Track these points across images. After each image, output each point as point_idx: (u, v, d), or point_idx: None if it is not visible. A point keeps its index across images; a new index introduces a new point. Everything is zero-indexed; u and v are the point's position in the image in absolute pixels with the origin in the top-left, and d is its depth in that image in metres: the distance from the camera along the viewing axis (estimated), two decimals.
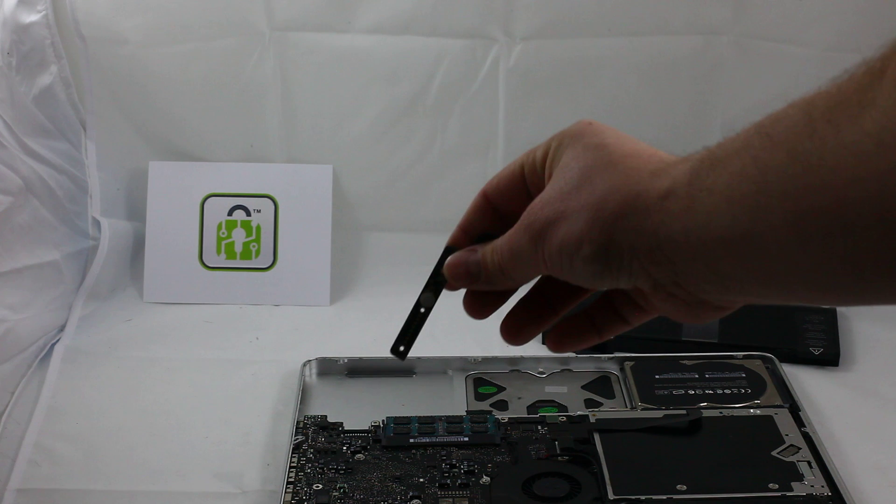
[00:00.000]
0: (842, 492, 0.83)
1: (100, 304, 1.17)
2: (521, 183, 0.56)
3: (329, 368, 1.04)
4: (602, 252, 0.49)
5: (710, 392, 0.97)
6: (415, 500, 0.84)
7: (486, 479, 0.86)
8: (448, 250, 0.58)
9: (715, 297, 0.49)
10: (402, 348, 0.62)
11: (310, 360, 1.03)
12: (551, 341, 0.57)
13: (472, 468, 0.87)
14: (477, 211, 0.57)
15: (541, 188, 0.53)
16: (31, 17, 1.14)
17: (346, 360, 1.04)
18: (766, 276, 0.45)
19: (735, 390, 0.97)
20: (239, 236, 1.20)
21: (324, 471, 0.87)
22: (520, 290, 0.58)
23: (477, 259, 0.56)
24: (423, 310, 0.60)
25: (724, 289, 0.47)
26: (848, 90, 0.41)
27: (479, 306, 0.58)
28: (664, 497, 0.83)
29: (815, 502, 0.82)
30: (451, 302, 1.26)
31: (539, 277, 0.57)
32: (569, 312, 0.57)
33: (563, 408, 0.97)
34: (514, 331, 0.58)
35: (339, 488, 0.85)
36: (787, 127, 0.42)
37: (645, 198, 0.47)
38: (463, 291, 0.59)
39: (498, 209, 0.57)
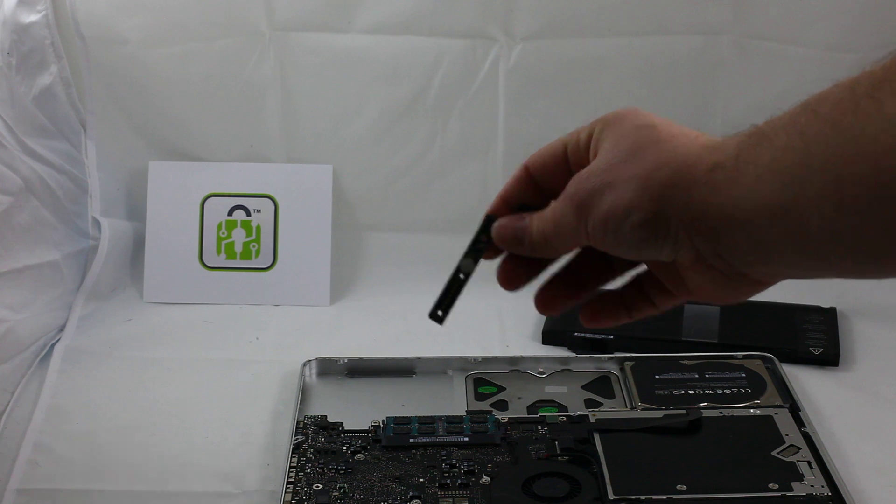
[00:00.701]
0: (842, 492, 0.83)
1: (100, 304, 1.17)
2: (564, 161, 0.57)
3: (329, 368, 1.04)
4: (650, 220, 0.50)
5: (710, 392, 0.97)
6: (415, 500, 0.84)
7: (486, 479, 0.86)
8: (489, 218, 0.59)
9: (756, 269, 0.50)
10: (440, 313, 0.63)
11: (310, 360, 1.03)
12: (585, 316, 0.59)
13: (472, 468, 0.87)
14: (518, 182, 0.59)
15: (584, 166, 0.55)
16: (31, 17, 1.14)
17: (346, 360, 1.04)
18: (808, 247, 0.46)
19: (735, 390, 0.97)
20: (239, 236, 1.20)
21: (324, 471, 0.87)
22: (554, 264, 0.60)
23: (524, 224, 0.57)
24: (462, 276, 0.61)
25: (765, 259, 0.49)
26: (891, 68, 0.43)
27: (513, 277, 0.60)
28: (664, 497, 0.83)
29: (815, 502, 0.82)
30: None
31: (575, 253, 0.59)
32: (601, 291, 0.59)
33: (563, 408, 0.97)
34: (547, 301, 0.60)
35: (339, 488, 0.85)
36: (833, 104, 0.44)
37: (694, 170, 0.49)
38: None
39: (539, 183, 0.58)
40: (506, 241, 0.58)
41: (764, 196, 0.46)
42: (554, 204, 0.55)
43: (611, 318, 0.59)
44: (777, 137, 0.46)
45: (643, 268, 0.57)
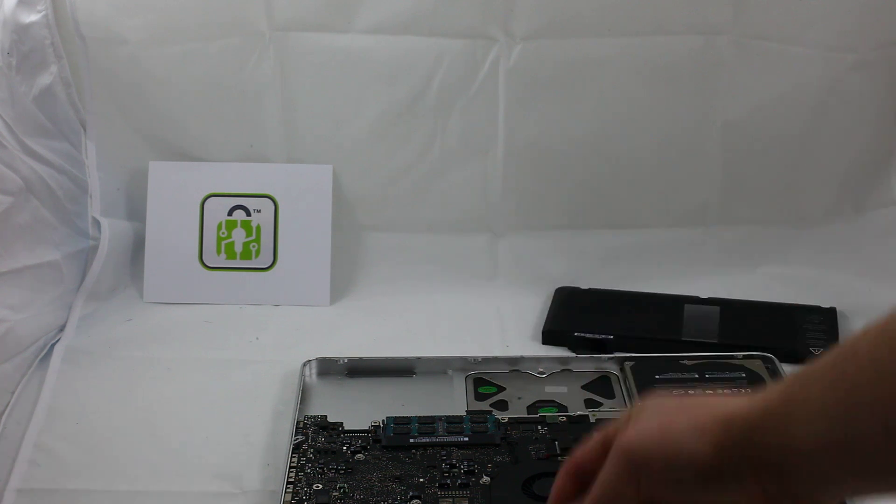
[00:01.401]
0: None
1: (100, 304, 1.17)
2: (605, 452, 0.59)
3: (329, 368, 1.04)
4: (715, 464, 0.53)
5: (710, 392, 0.97)
6: (415, 500, 0.84)
7: (486, 479, 0.86)
8: None
9: (822, 497, 0.52)
10: None
11: (310, 360, 1.03)
12: None
13: (472, 468, 0.87)
14: (562, 488, 0.61)
15: None
16: (31, 17, 1.14)
17: (346, 360, 1.04)
18: (866, 476, 0.49)
19: (735, 390, 0.97)
20: (239, 236, 1.20)
21: (324, 471, 0.87)
22: None
23: None
24: None
25: (829, 488, 0.51)
26: None
27: None
28: None
29: None
30: (450, 301, 1.27)
31: None
32: None
33: (563, 408, 0.97)
34: None
35: (339, 488, 0.85)
36: (869, 341, 0.48)
37: (748, 416, 0.52)
38: None
39: (585, 482, 0.60)
40: None
41: (817, 433, 0.49)
42: (600, 473, 0.57)
43: None
44: (822, 377, 0.49)
45: None
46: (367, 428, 0.92)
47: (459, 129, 1.20)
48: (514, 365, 1.04)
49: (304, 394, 0.99)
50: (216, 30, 1.17)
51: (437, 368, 1.03)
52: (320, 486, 0.85)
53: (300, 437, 0.91)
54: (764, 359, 1.02)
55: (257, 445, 0.94)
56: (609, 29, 1.16)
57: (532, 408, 0.97)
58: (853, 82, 1.17)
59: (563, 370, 1.03)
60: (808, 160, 1.21)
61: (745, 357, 1.03)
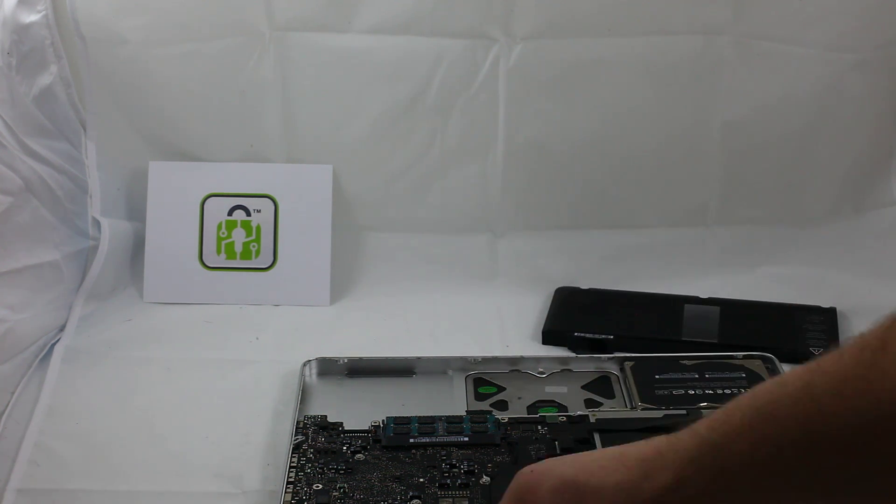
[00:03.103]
0: None
1: (100, 304, 1.17)
2: None
3: (329, 368, 1.04)
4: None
5: (710, 392, 0.97)
6: (415, 500, 0.84)
7: (486, 479, 0.86)
8: None
9: None
10: None
11: (310, 360, 1.03)
12: None
13: (472, 468, 0.87)
14: None
15: None
16: (31, 17, 1.14)
17: (346, 360, 1.04)
18: None
19: (735, 390, 0.97)
20: (239, 236, 1.20)
21: (324, 471, 0.87)
22: None
23: None
24: None
25: None
26: (846, 367, 0.49)
27: None
28: None
29: None
30: (451, 301, 1.27)
31: None
32: None
33: (563, 408, 0.97)
34: None
35: (339, 488, 0.85)
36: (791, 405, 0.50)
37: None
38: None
39: None
40: None
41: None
42: None
43: None
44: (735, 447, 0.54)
45: None
46: (367, 428, 0.92)
47: (459, 129, 1.20)
48: (514, 365, 1.04)
49: (304, 394, 0.99)
50: (216, 30, 1.17)
51: (437, 368, 1.03)
52: (320, 486, 0.85)
53: (300, 437, 0.91)
54: (764, 359, 1.02)
55: (257, 445, 0.94)
56: (609, 29, 1.16)
57: (532, 408, 0.97)
58: (853, 82, 1.17)
59: (563, 370, 1.03)
60: (808, 160, 1.21)
61: (745, 357, 1.03)
